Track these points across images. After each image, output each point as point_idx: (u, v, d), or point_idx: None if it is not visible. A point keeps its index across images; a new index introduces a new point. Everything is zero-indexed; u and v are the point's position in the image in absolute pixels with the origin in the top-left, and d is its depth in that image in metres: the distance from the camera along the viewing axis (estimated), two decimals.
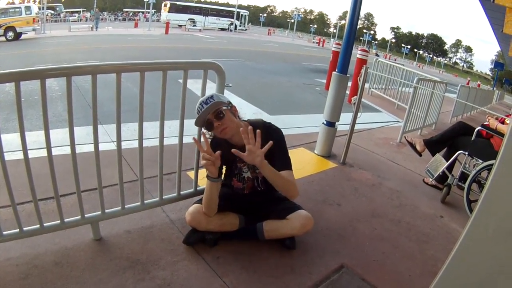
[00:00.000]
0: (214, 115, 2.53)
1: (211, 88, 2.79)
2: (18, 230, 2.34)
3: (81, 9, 62.28)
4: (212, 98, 2.53)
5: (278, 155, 2.73)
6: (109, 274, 2.36)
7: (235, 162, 2.79)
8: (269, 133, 2.70)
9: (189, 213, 2.69)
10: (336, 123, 5.02)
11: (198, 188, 3.13)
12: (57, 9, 54.39)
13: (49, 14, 39.15)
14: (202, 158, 2.47)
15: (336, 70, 4.91)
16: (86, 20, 45.99)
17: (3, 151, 2.12)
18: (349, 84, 5.75)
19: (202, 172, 2.87)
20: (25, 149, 2.18)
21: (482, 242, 1.38)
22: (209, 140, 2.65)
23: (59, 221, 2.47)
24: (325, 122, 5.01)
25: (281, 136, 2.79)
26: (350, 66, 4.97)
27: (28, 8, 21.04)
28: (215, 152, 2.49)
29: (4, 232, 2.30)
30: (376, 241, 3.19)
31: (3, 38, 19.27)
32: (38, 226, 2.40)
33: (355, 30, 4.79)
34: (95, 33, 27.83)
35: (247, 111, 2.66)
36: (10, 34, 19.66)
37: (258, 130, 2.41)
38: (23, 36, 20.65)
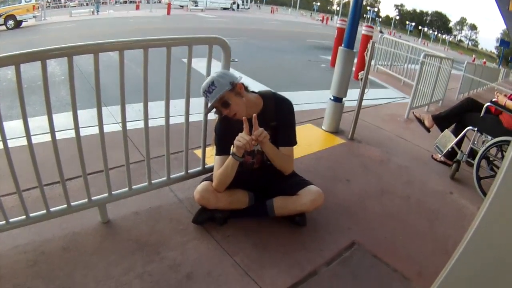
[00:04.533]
0: (220, 103, 2.51)
1: (216, 67, 2.73)
2: (24, 216, 2.32)
3: None
4: (213, 85, 2.49)
5: (284, 129, 2.76)
6: (118, 257, 2.34)
7: None
8: (279, 105, 2.74)
9: (197, 192, 2.65)
10: (343, 99, 4.97)
11: (206, 166, 3.11)
12: None
13: (49, 0, 38.85)
14: (242, 136, 2.48)
15: (343, 45, 4.84)
16: (87, 4, 45.62)
17: (6, 138, 2.09)
18: (355, 61, 5.69)
19: (210, 150, 2.85)
20: (28, 134, 2.15)
21: (502, 222, 1.33)
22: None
23: (65, 205, 2.45)
24: (332, 98, 4.96)
25: (291, 109, 2.80)
26: (356, 44, 4.89)
27: None
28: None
29: (11, 220, 2.28)
30: (386, 217, 3.17)
31: (3, 27, 19.14)
32: (44, 211, 2.38)
33: (361, 4, 4.71)
34: (96, 17, 27.59)
35: (253, 88, 2.65)
36: (11, 22, 19.46)
37: (254, 115, 2.47)
38: (23, 24, 20.44)
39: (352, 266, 2.52)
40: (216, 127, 2.73)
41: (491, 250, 1.37)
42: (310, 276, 2.39)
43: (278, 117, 2.74)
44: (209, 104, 2.51)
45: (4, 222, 2.26)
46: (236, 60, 2.84)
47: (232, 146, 2.61)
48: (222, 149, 2.69)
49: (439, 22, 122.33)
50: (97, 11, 30.28)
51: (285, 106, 2.77)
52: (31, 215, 2.34)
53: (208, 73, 2.75)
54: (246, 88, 2.67)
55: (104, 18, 25.68)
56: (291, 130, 2.79)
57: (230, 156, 2.57)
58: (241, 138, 2.47)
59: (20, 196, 2.25)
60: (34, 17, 21.39)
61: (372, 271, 2.51)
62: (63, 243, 2.41)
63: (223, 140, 2.68)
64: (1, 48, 11.83)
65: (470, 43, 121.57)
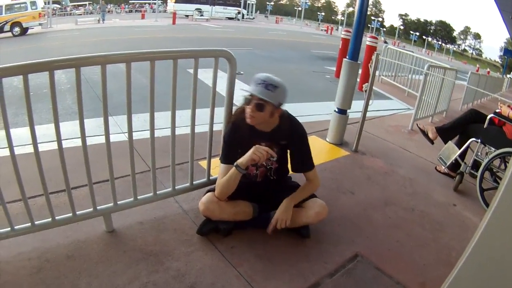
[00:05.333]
0: (257, 102, 2.49)
1: (222, 78, 2.75)
2: (29, 224, 2.33)
3: (87, 2, 62.05)
4: (275, 88, 2.48)
5: (299, 154, 2.79)
6: (123, 266, 2.35)
7: (252, 146, 2.69)
8: (295, 128, 2.76)
9: (202, 203, 2.66)
10: (348, 111, 4.98)
11: (210, 178, 3.11)
12: (63, 3, 54.19)
13: (55, 8, 39.03)
14: (260, 150, 2.50)
15: (347, 57, 4.85)
16: (91, 13, 45.84)
17: (13, 145, 2.11)
18: (359, 72, 5.70)
19: (215, 162, 2.87)
20: (35, 142, 2.16)
21: (504, 232, 1.34)
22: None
23: (71, 214, 2.46)
24: (336, 110, 4.97)
25: (306, 134, 2.81)
26: (360, 54, 4.91)
27: (33, 3, 20.86)
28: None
29: (16, 227, 2.29)
30: (390, 229, 3.17)
31: (9, 34, 19.27)
32: (50, 219, 2.39)
33: (365, 15, 4.74)
34: (101, 25, 27.76)
35: None
36: (17, 29, 19.60)
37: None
38: (29, 31, 20.61)
39: (355, 278, 2.52)
40: (225, 135, 2.73)
41: (493, 261, 1.38)
42: (313, 287, 2.39)
43: (292, 138, 2.76)
44: (253, 90, 2.49)
45: (9, 229, 2.27)
46: (242, 72, 2.86)
47: (236, 154, 2.64)
48: (228, 158, 2.68)
49: (443, 31, 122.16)
50: (103, 20, 30.47)
51: (301, 130, 2.78)
52: (36, 222, 2.35)
53: (214, 86, 2.78)
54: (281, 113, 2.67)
55: (109, 27, 25.84)
56: (307, 154, 2.81)
57: (233, 167, 2.58)
58: (259, 153, 2.49)
59: (25, 204, 2.26)
60: (40, 24, 21.56)
61: (375, 283, 2.51)
62: (67, 251, 2.42)
63: (231, 148, 2.69)
64: (7, 54, 11.93)
65: (474, 53, 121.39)
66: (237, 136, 2.66)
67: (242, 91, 2.55)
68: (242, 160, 2.55)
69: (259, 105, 2.49)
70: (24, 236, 2.36)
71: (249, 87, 2.52)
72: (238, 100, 2.67)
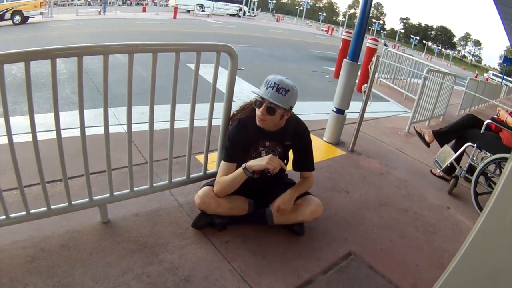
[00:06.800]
0: (268, 105, 2.51)
1: (221, 73, 2.76)
2: (25, 212, 2.32)
3: None
4: (287, 93, 2.50)
5: (303, 154, 2.85)
6: (117, 257, 2.35)
7: (256, 144, 2.76)
8: (299, 129, 2.80)
9: (198, 196, 2.67)
10: (345, 111, 5.00)
11: (207, 172, 3.10)
12: None
13: None
14: (275, 161, 2.52)
15: (347, 57, 4.86)
16: (89, 4, 45.54)
17: (11, 133, 2.10)
18: (359, 73, 5.72)
19: (212, 156, 2.87)
20: (33, 130, 2.15)
21: (496, 236, 1.35)
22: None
23: (66, 204, 2.46)
24: (334, 109, 4.99)
25: (309, 135, 2.87)
26: (360, 56, 4.92)
27: None
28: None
29: (11, 215, 2.28)
30: (384, 229, 3.19)
31: (10, 22, 19.14)
32: (45, 208, 2.38)
33: (368, 17, 4.74)
34: (102, 17, 27.58)
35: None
36: (17, 18, 19.43)
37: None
38: (30, 20, 20.43)
39: (348, 276, 2.54)
40: (230, 133, 2.73)
41: (484, 265, 1.39)
42: (306, 284, 2.41)
43: (296, 139, 2.79)
44: (264, 94, 2.50)
45: (4, 217, 2.26)
46: (243, 68, 2.86)
47: (240, 153, 2.68)
48: (232, 156, 2.69)
49: (444, 36, 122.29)
50: (104, 11, 30.33)
51: (306, 133, 2.83)
52: (31, 211, 2.34)
53: (215, 80, 2.78)
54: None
55: (110, 19, 25.68)
56: (309, 155, 2.86)
57: (241, 169, 2.59)
58: (273, 163, 2.51)
59: (22, 192, 2.25)
60: (41, 13, 21.38)
61: (368, 282, 2.53)
62: (62, 241, 2.42)
63: (235, 147, 2.68)
64: (8, 42, 11.86)
65: (473, 59, 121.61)
66: (243, 134, 2.67)
67: (240, 88, 2.56)
68: (252, 164, 2.56)
69: (270, 109, 2.52)
70: (19, 225, 2.35)
71: (260, 90, 2.55)
72: (237, 96, 2.67)
